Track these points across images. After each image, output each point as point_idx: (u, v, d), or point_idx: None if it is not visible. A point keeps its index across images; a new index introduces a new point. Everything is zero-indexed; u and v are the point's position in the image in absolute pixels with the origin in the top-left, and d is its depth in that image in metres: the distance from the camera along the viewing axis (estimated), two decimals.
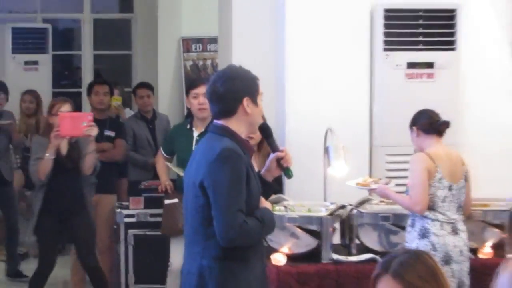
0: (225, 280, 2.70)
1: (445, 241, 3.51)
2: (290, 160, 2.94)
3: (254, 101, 2.77)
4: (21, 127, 6.01)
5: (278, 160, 2.91)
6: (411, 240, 3.64)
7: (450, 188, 3.61)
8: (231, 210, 2.63)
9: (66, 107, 4.45)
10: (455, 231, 3.56)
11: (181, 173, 3.75)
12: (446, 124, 3.68)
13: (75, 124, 4.29)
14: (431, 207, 3.55)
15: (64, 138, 4.32)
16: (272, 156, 2.93)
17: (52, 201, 4.38)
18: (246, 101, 2.72)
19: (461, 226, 3.57)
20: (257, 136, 3.69)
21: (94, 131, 4.37)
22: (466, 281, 3.56)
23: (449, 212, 3.58)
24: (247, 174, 2.72)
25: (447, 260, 3.50)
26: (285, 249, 3.75)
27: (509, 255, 3.16)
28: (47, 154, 4.27)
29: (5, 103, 6.06)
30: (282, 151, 2.94)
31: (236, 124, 2.70)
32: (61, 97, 5.07)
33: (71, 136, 4.35)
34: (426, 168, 3.57)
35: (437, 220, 3.56)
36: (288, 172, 3.02)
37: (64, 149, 4.38)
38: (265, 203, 2.91)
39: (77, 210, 4.49)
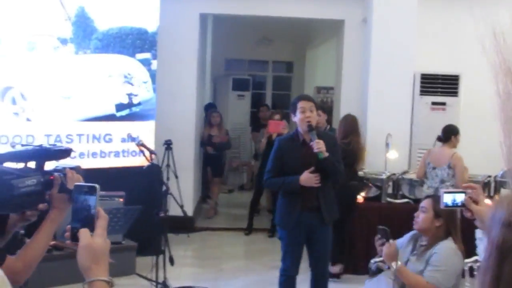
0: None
1: None
2: (322, 147, 4.63)
3: (294, 113, 4.83)
4: None
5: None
6: None
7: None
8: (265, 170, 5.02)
9: None
10: None
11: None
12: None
13: None
14: None
15: None
16: (311, 143, 4.70)
17: None
18: (292, 116, 4.95)
19: None
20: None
21: None
22: None
23: None
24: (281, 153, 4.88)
25: None
26: (363, 193, 6.85)
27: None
28: None
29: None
30: (316, 142, 4.63)
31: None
32: None
33: None
34: None
35: None
36: (319, 155, 4.66)
37: None
38: (303, 175, 4.71)
39: None
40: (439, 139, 6.55)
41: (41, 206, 1.97)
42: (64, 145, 6.31)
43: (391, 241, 3.63)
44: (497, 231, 1.65)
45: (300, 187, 4.77)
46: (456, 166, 6.27)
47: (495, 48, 3.25)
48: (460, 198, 2.56)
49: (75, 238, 1.60)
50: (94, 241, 1.58)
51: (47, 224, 2.03)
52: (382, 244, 3.68)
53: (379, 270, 3.96)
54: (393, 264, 3.58)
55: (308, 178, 4.73)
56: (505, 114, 3.38)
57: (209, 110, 9.92)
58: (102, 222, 1.62)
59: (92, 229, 1.60)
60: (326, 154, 4.65)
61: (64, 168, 1.98)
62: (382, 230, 3.69)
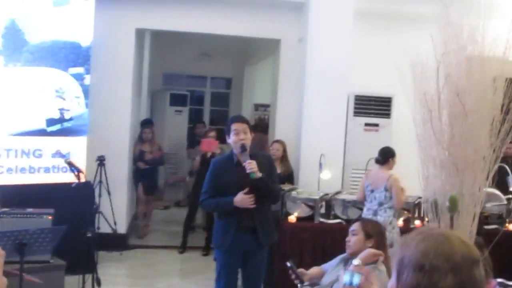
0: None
1: None
2: (254, 168, 4.68)
3: (229, 135, 4.84)
4: None
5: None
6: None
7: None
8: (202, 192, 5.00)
9: None
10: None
11: None
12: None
13: None
14: None
15: None
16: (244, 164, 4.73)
17: None
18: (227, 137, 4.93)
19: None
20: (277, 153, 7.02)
21: None
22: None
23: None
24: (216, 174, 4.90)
25: None
26: (295, 213, 6.78)
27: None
28: None
29: None
30: (248, 162, 4.68)
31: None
32: None
33: None
34: None
35: None
36: (251, 175, 4.71)
37: None
38: (237, 196, 4.74)
39: None
40: (377, 161, 6.58)
41: None
42: None
43: (315, 269, 3.72)
44: (409, 276, 1.68)
45: (235, 208, 4.80)
46: (393, 188, 6.32)
47: (412, 78, 3.38)
48: (356, 280, 2.55)
49: None
50: None
51: None
52: (296, 278, 3.74)
53: None
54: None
55: (242, 199, 4.76)
56: (421, 142, 3.49)
57: (144, 126, 9.85)
58: None
59: None
60: (259, 175, 4.70)
61: None
62: (290, 267, 3.84)
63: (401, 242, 1.74)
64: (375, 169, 6.70)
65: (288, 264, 4.00)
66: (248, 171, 4.68)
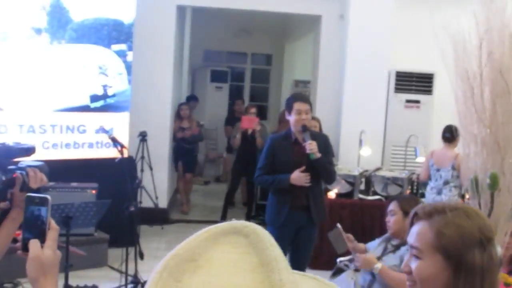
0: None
1: None
2: (314, 148, 4.75)
3: (290, 113, 4.89)
4: None
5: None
6: None
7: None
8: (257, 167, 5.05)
9: None
10: None
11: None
12: None
13: None
14: None
15: None
16: (304, 144, 4.81)
17: None
18: (285, 113, 5.02)
19: None
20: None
21: None
22: None
23: None
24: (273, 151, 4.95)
25: None
26: (335, 190, 6.90)
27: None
28: None
29: None
30: (309, 143, 4.76)
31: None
32: None
33: None
34: None
35: None
36: (310, 156, 4.78)
37: None
38: (293, 174, 4.79)
39: None
40: (446, 139, 6.48)
41: (2, 204, 1.96)
42: (37, 136, 6.38)
43: (361, 245, 3.75)
44: (473, 254, 1.67)
45: (290, 186, 4.87)
46: (461, 167, 6.10)
47: (454, 55, 3.38)
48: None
49: (26, 248, 1.61)
50: (44, 253, 1.59)
51: (8, 223, 1.99)
52: (339, 245, 3.82)
53: (341, 270, 4.09)
54: (375, 266, 3.68)
55: (298, 177, 4.82)
56: (462, 120, 3.50)
57: (190, 102, 9.99)
58: (53, 234, 1.64)
59: (43, 240, 1.61)
60: (318, 155, 4.78)
61: (27, 166, 1.98)
62: (338, 230, 3.94)
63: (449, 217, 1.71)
64: (440, 147, 6.64)
65: (338, 225, 4.05)
66: (308, 151, 4.76)
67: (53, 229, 1.65)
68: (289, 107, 4.93)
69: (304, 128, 4.84)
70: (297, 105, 4.87)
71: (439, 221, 1.68)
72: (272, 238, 1.06)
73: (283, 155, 4.96)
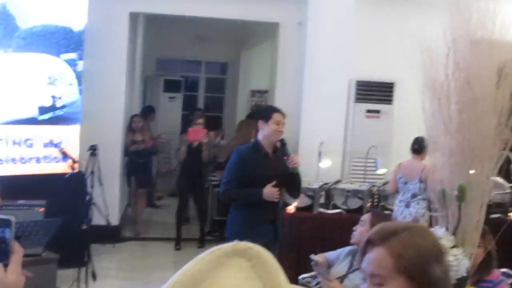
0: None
1: None
2: (298, 163, 4.88)
3: (266, 121, 4.85)
4: None
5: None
6: None
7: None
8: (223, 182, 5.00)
9: None
10: None
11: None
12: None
13: None
14: None
15: None
16: (285, 157, 4.88)
17: None
18: (260, 123, 4.92)
19: None
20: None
21: None
22: None
23: None
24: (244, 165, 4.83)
25: None
26: (295, 203, 6.71)
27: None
28: None
29: None
30: (293, 157, 4.88)
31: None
32: None
33: None
34: None
35: None
36: (295, 170, 4.90)
37: None
38: (266, 189, 4.75)
39: None
40: (415, 150, 6.50)
41: None
42: None
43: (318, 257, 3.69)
44: (433, 269, 1.69)
45: (261, 200, 4.84)
46: (428, 179, 6.24)
47: (420, 65, 3.32)
48: None
49: None
50: (7, 277, 1.54)
51: None
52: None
53: (304, 286, 4.01)
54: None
55: (270, 192, 4.81)
56: (429, 131, 3.44)
57: (147, 114, 9.79)
58: (16, 257, 1.58)
59: (6, 264, 1.55)
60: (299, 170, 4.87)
61: None
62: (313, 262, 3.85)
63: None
64: (407, 160, 6.64)
65: (312, 257, 3.98)
66: (292, 165, 4.82)
67: (17, 252, 1.58)
68: (266, 117, 4.92)
69: (283, 142, 4.90)
70: (277, 116, 4.90)
71: (396, 244, 1.70)
72: (276, 262, 1.07)
73: (255, 169, 4.89)
